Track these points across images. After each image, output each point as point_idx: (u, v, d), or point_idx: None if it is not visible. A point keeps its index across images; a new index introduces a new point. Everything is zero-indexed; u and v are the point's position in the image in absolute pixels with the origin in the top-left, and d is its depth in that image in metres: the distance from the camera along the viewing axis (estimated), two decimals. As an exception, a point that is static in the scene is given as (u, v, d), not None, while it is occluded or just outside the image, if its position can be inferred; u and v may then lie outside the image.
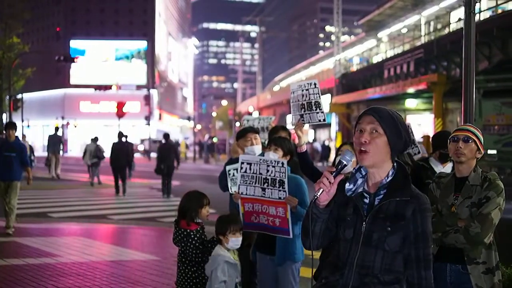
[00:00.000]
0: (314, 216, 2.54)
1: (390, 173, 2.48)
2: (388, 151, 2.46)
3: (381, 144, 2.44)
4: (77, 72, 60.90)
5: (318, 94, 4.81)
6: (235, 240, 4.21)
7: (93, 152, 19.77)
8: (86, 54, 60.87)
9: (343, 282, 2.48)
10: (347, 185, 2.54)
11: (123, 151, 17.35)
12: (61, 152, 24.07)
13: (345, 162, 2.46)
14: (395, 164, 2.51)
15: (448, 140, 3.71)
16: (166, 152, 16.99)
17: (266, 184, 4.48)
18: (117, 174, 17.33)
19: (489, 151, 20.18)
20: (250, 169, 4.57)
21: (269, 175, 4.47)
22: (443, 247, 3.54)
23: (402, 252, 2.42)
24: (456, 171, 3.66)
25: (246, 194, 4.58)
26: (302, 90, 4.88)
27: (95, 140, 20.19)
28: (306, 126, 5.18)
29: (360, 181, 2.54)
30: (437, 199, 3.65)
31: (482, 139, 3.68)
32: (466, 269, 3.48)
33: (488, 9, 25.48)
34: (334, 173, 2.45)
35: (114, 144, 17.58)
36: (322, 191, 2.43)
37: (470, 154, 3.58)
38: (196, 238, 4.31)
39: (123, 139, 17.66)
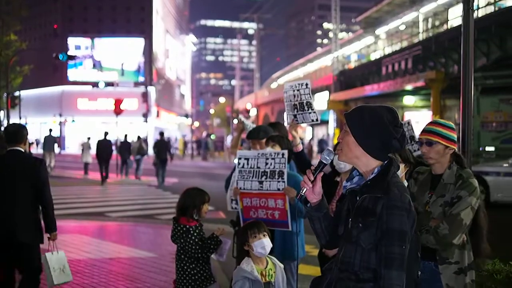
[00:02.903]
0: (308, 215, 2.65)
1: (376, 170, 2.47)
2: (359, 150, 2.46)
3: (349, 142, 2.49)
4: (74, 69, 60.81)
5: (309, 94, 4.81)
6: (259, 244, 3.82)
7: (136, 149, 22.24)
8: (84, 51, 60.83)
9: (331, 277, 2.53)
10: (344, 183, 2.60)
11: (106, 147, 20.60)
12: (56, 150, 24.70)
13: (324, 161, 2.55)
14: (385, 162, 2.48)
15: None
16: (161, 147, 20.63)
17: (264, 177, 4.50)
18: (102, 166, 20.32)
19: (487, 148, 20.23)
20: (247, 164, 4.61)
21: (268, 168, 4.50)
22: None
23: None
24: (432, 169, 3.58)
25: (244, 188, 4.60)
26: (294, 91, 4.88)
27: (138, 138, 23.13)
28: (304, 124, 5.17)
29: (356, 178, 2.56)
30: (414, 196, 3.53)
31: (450, 134, 3.51)
32: (438, 267, 3.40)
33: (486, 5, 25.48)
34: (314, 172, 2.54)
35: (99, 141, 20.71)
36: (306, 190, 2.54)
37: (437, 155, 3.48)
38: (195, 234, 4.31)
39: (109, 137, 21.10)
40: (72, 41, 60.95)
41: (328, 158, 2.54)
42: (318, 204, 2.58)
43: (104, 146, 20.55)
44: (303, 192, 2.54)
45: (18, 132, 5.00)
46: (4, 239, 4.82)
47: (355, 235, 2.42)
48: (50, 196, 5.01)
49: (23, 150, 5.03)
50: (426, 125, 3.65)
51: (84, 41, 62.14)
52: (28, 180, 4.90)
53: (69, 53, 29.26)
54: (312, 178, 2.53)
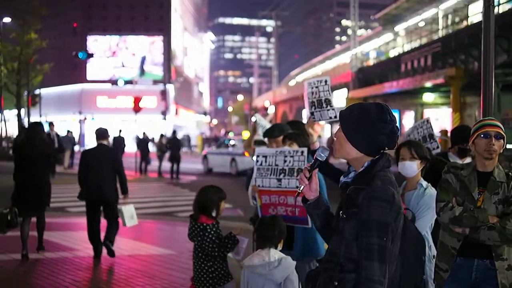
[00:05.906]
0: (308, 213, 2.70)
1: (365, 164, 2.50)
2: (349, 145, 2.49)
3: (340, 138, 2.52)
4: (94, 67, 61.24)
5: (329, 91, 4.75)
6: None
7: (158, 146, 23.78)
8: (103, 49, 61.27)
9: (321, 268, 2.59)
10: (341, 178, 2.63)
11: (121, 142, 22.81)
12: (76, 148, 27.30)
13: (319, 159, 2.59)
14: (376, 157, 2.50)
15: (474, 135, 3.56)
16: (174, 144, 22.30)
17: (282, 175, 4.49)
18: None
19: (508, 145, 19.98)
20: (265, 161, 4.61)
21: (287, 165, 4.49)
22: (469, 242, 3.46)
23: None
24: (479, 166, 3.57)
25: (262, 186, 4.59)
26: (312, 88, 4.84)
27: (161, 136, 24.34)
28: (322, 121, 5.11)
29: (352, 173, 2.58)
30: (457, 192, 3.56)
31: None
32: (494, 264, 3.43)
33: (508, 1, 25.14)
34: (310, 169, 2.58)
35: (115, 137, 22.67)
36: (303, 187, 2.57)
37: (499, 150, 3.53)
38: (213, 232, 4.32)
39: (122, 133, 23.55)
40: (91, 39, 61.39)
41: (323, 155, 2.59)
42: (316, 201, 2.62)
43: (119, 141, 22.72)
44: (301, 189, 2.58)
45: (104, 133, 8.16)
46: (99, 199, 7.78)
47: (341, 226, 2.46)
48: (124, 172, 8.00)
49: (106, 144, 8.13)
50: (487, 120, 3.68)
51: (103, 39, 62.58)
52: (110, 161, 7.92)
53: (88, 51, 29.53)
54: (308, 175, 2.57)
